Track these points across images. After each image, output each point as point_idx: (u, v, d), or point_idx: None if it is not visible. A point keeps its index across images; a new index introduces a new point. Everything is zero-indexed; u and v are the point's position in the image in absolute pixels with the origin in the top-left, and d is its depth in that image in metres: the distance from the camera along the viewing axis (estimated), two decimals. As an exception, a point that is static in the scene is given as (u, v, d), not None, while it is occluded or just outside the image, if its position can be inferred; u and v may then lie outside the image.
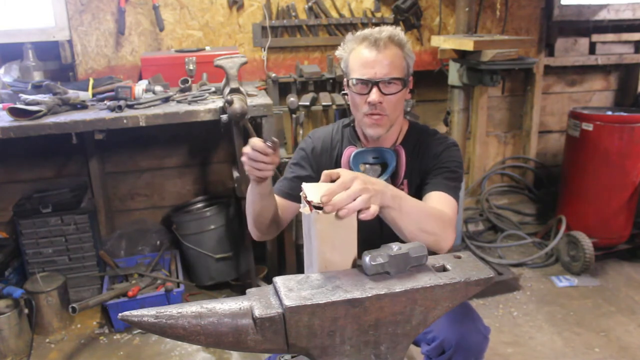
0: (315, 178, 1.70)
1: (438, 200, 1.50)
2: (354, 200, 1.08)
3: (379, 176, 1.62)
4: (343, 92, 1.74)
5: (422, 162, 1.66)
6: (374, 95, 1.53)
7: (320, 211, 1.07)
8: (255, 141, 1.40)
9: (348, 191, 1.09)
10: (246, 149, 1.41)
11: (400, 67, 1.55)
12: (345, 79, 1.66)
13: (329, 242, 1.11)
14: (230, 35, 3.08)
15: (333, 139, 1.76)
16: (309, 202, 1.10)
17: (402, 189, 1.68)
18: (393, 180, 1.65)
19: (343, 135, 1.75)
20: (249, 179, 1.75)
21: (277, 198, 1.76)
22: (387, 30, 1.56)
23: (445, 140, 1.68)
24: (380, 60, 1.52)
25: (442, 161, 1.62)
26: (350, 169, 1.63)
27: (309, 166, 1.74)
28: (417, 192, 1.66)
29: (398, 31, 1.58)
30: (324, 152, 1.75)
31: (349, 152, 1.66)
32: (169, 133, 3.12)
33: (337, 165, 1.70)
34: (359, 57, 1.55)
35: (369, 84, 1.53)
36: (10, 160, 3.03)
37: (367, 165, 1.64)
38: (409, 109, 2.93)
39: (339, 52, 1.64)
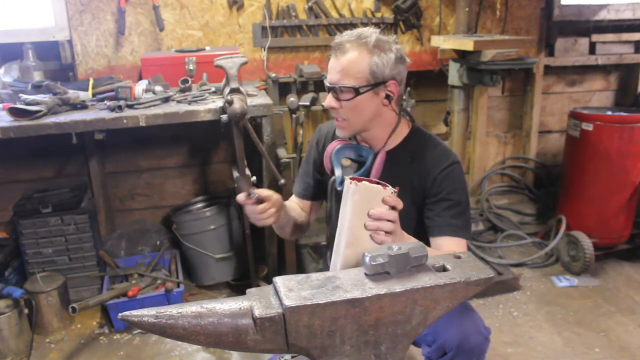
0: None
1: (450, 248, 1.51)
2: (385, 219, 1.27)
3: (354, 173, 1.61)
4: None
5: (421, 177, 1.61)
6: (326, 100, 1.57)
7: (359, 183, 1.23)
8: (240, 198, 1.50)
9: (389, 213, 1.28)
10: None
11: (358, 74, 1.50)
12: None
13: (361, 217, 1.25)
14: (230, 35, 3.08)
15: (336, 133, 1.76)
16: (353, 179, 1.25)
17: None
18: None
19: None
20: (249, 179, 1.79)
21: (296, 199, 1.87)
22: (356, 33, 1.53)
23: (447, 159, 1.60)
24: (335, 66, 1.53)
25: (446, 191, 1.56)
26: (331, 161, 1.63)
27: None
28: (411, 204, 1.62)
29: (371, 32, 1.52)
30: (325, 146, 1.76)
31: (334, 145, 1.66)
32: (169, 133, 3.11)
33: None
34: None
35: (328, 88, 1.56)
36: (10, 160, 3.03)
37: (350, 162, 1.64)
38: (408, 109, 2.92)
39: None
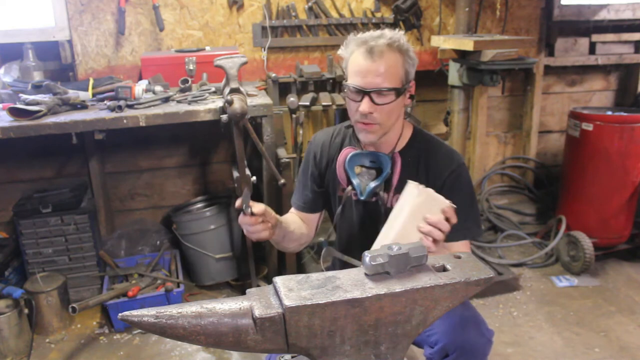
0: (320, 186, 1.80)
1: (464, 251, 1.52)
2: (440, 227, 1.33)
3: (373, 180, 1.61)
4: (343, 92, 1.75)
5: (429, 180, 1.60)
6: (364, 105, 1.51)
7: (425, 188, 1.34)
8: (237, 204, 1.50)
9: (443, 223, 1.33)
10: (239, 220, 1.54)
11: (396, 76, 1.50)
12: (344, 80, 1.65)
13: (416, 219, 1.32)
14: (230, 35, 3.08)
15: (333, 141, 1.76)
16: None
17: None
18: (386, 187, 1.61)
19: (345, 136, 1.75)
20: (249, 179, 1.79)
21: (295, 212, 1.85)
22: (387, 35, 1.51)
23: (452, 161, 1.61)
24: (373, 69, 1.48)
25: (455, 193, 1.55)
26: (345, 170, 1.62)
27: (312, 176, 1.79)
28: None
29: (399, 36, 1.52)
30: (323, 157, 1.76)
31: (346, 152, 1.64)
32: (169, 133, 3.12)
33: (333, 165, 1.70)
34: (356, 62, 1.52)
35: (361, 93, 1.51)
36: (10, 160, 3.03)
37: (363, 168, 1.63)
38: (409, 109, 2.92)
39: (340, 52, 1.61)
